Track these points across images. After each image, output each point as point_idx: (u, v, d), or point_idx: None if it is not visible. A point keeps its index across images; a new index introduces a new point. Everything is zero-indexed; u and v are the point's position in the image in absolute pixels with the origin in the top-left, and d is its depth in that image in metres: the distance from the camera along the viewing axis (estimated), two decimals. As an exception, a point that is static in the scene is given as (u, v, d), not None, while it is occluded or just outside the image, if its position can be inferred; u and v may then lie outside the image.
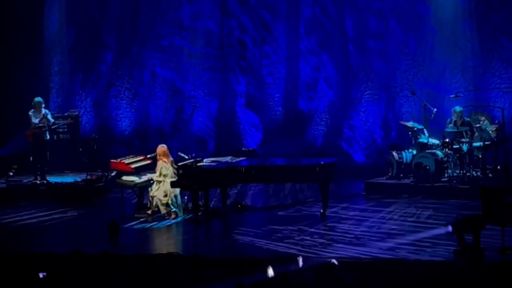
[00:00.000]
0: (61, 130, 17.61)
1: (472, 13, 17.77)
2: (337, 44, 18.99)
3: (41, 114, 15.88)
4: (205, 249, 11.41)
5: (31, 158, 16.52)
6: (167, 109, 19.72)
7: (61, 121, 17.36)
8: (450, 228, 9.93)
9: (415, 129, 15.62)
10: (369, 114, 18.75)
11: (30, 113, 15.97)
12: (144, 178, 13.73)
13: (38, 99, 16.14)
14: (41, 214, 14.09)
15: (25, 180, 16.19)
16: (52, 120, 16.22)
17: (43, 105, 16.11)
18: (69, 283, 8.71)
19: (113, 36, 19.64)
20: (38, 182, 15.93)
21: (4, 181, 15.95)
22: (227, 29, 19.49)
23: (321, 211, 13.21)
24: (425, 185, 14.98)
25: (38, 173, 16.04)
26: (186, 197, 13.93)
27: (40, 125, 15.80)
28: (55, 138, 17.22)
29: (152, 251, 11.15)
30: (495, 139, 15.14)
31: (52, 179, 16.19)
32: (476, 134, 15.20)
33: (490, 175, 15.11)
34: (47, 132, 15.99)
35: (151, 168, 13.98)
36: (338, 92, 19.00)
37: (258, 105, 19.42)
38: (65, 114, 18.10)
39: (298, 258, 9.32)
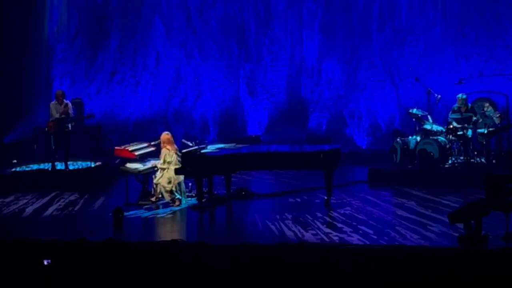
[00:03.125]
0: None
1: (476, -1, 17.79)
2: (342, 30, 18.97)
3: (62, 106, 15.79)
4: (210, 236, 11.42)
5: (35, 147, 16.47)
6: (171, 96, 19.73)
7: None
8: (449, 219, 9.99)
9: (419, 115, 15.59)
10: (373, 100, 18.77)
11: (51, 104, 15.93)
12: (148, 165, 13.74)
13: (59, 90, 16.15)
14: (45, 201, 14.12)
15: (35, 167, 16.21)
16: (73, 115, 16.15)
17: (65, 96, 16.05)
18: (73, 270, 8.73)
19: (116, 23, 19.65)
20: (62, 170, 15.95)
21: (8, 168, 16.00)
22: (231, 16, 19.47)
23: (325, 197, 13.21)
24: (429, 171, 14.97)
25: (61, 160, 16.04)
26: (190, 184, 13.94)
27: (63, 116, 15.71)
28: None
29: (157, 238, 11.15)
30: (499, 126, 15.12)
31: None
32: (480, 120, 15.18)
33: (494, 161, 15.09)
34: (69, 124, 15.91)
35: (155, 155, 14.00)
36: (342, 78, 19.01)
37: (262, 91, 19.42)
38: (70, 101, 18.05)
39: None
